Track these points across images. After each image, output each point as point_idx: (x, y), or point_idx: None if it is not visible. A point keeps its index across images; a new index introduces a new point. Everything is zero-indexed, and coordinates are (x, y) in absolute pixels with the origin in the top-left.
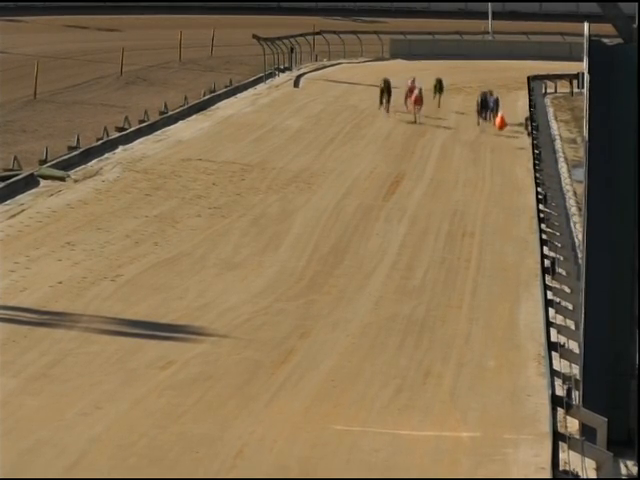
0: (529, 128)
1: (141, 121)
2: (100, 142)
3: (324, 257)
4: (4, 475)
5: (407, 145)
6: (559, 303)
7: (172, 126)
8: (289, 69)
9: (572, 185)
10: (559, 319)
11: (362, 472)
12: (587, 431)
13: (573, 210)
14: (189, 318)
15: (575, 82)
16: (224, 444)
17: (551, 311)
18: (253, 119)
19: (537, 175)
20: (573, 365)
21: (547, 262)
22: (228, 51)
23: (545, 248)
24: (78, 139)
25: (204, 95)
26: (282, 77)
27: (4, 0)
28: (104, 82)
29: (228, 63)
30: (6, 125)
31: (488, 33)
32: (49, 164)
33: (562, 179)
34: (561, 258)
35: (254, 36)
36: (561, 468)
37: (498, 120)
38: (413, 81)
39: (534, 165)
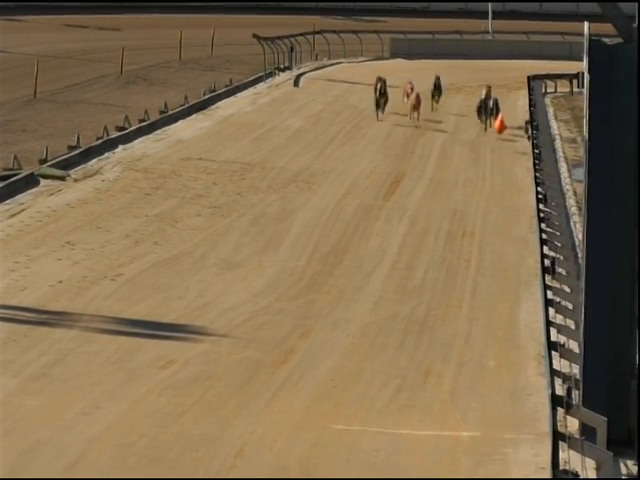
0: (529, 132)
1: (141, 120)
2: (100, 141)
3: (324, 257)
4: (4, 475)
5: (407, 145)
6: (559, 303)
7: (172, 125)
8: (289, 68)
9: (572, 185)
10: (559, 319)
11: (362, 472)
12: (587, 431)
13: (573, 210)
14: (189, 318)
15: (575, 82)
16: (224, 444)
17: (551, 311)
18: (253, 118)
19: (537, 175)
20: (573, 365)
21: (547, 262)
22: (228, 50)
23: (545, 248)
24: (78, 138)
25: (204, 94)
26: (282, 76)
27: (4, 0)
28: (104, 81)
29: (228, 62)
30: (6, 124)
31: (488, 33)
32: (49, 163)
33: (562, 179)
34: (561, 258)
35: (254, 35)
36: (561, 468)
37: (497, 123)
38: (412, 87)
39: (534, 165)
